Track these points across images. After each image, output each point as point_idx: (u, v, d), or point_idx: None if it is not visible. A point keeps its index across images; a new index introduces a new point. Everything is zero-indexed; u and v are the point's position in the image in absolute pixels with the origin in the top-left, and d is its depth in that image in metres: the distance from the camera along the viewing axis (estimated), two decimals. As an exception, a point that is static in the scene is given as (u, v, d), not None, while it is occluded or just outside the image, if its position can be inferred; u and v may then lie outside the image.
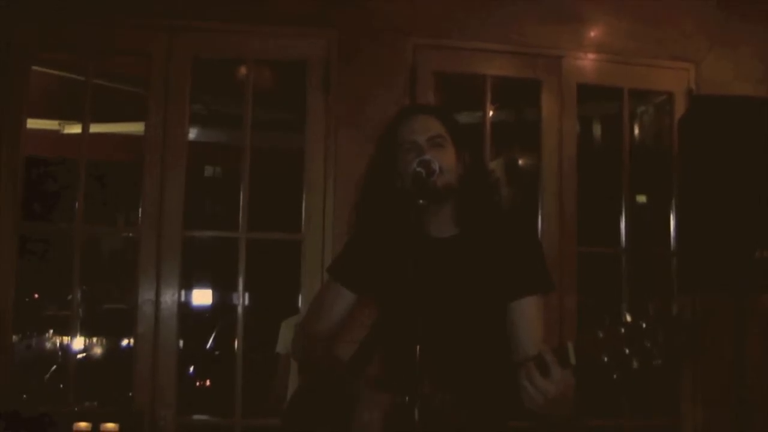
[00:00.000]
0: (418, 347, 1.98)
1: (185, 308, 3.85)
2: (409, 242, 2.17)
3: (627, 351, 1.74)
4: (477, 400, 2.15)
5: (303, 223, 3.97)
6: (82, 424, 3.47)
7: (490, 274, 2.31)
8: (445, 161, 2.31)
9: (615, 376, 1.74)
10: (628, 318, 1.76)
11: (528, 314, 2.28)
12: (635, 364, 1.74)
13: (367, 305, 2.47)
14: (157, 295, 3.82)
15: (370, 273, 2.42)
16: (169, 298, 3.83)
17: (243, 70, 4.19)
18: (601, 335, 1.78)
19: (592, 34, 4.24)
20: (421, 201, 2.19)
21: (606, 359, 1.76)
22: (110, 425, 3.50)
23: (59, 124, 6.07)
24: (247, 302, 3.98)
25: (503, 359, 2.22)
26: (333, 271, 2.56)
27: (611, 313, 1.83)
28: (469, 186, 2.38)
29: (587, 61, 4.23)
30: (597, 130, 6.07)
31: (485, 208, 2.39)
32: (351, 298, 2.48)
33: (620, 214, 4.24)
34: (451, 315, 2.29)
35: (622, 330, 1.75)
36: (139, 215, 3.92)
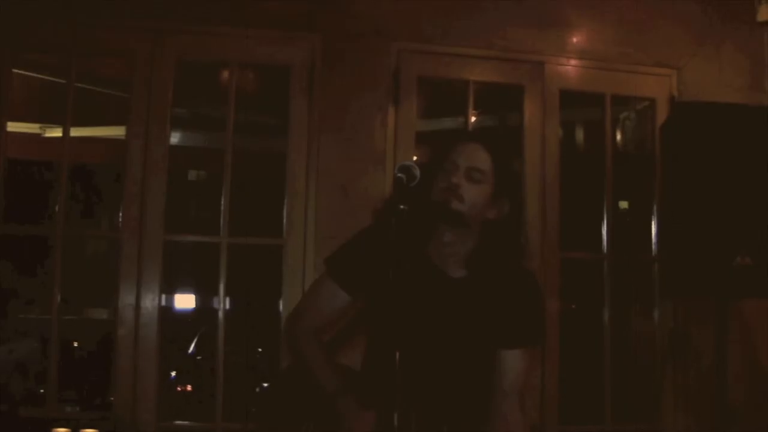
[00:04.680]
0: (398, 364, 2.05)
1: (167, 312, 3.84)
2: (409, 264, 2.20)
3: None
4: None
5: (285, 227, 3.96)
6: (61, 430, 3.45)
7: (488, 319, 2.39)
8: (472, 195, 2.34)
9: None
10: None
11: (515, 365, 2.44)
12: None
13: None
14: (138, 299, 3.80)
15: (369, 280, 2.37)
16: (150, 302, 3.82)
17: (226, 73, 4.18)
18: None
19: (575, 39, 4.25)
20: (402, 206, 2.20)
21: None
22: (89, 431, 3.48)
23: (40, 128, 6.02)
24: (228, 306, 3.95)
25: (483, 395, 2.42)
26: (332, 268, 2.51)
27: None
28: (495, 235, 2.40)
29: (570, 67, 4.25)
30: (579, 135, 6.07)
31: (501, 260, 2.42)
32: (345, 300, 2.47)
33: (602, 219, 4.26)
34: (441, 347, 2.36)
35: None
36: (120, 219, 3.90)
